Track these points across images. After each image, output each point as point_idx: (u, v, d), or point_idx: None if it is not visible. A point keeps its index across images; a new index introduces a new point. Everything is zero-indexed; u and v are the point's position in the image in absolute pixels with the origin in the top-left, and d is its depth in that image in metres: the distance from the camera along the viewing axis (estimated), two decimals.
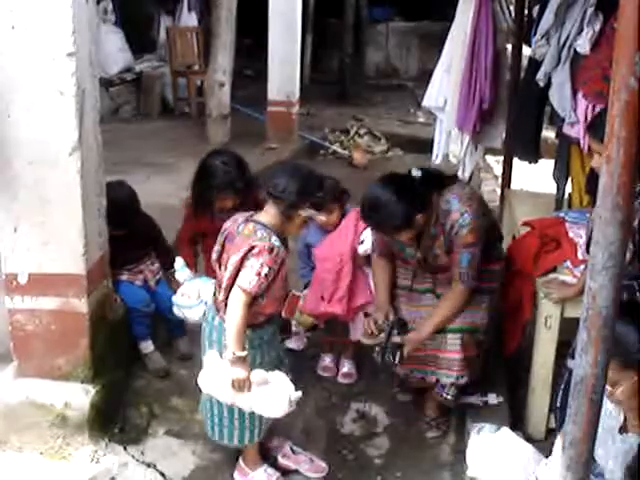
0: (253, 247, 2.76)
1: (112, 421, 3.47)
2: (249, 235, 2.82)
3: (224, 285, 2.86)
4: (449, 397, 3.54)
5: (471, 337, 3.44)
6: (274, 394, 2.86)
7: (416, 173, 3.34)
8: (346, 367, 4.08)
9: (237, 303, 2.78)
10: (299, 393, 2.90)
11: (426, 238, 3.41)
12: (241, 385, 2.81)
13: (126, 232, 3.79)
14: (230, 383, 2.81)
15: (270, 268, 2.77)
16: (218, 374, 2.86)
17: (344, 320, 3.90)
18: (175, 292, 3.78)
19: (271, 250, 2.76)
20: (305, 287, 3.98)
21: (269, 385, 2.86)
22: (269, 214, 2.90)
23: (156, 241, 4.08)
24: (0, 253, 3.27)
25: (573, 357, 3.07)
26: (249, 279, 2.75)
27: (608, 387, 2.40)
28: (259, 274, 2.75)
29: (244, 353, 2.79)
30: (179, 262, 3.76)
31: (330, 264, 3.79)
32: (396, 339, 3.36)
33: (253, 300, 2.81)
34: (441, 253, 3.41)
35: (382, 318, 3.48)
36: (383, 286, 3.59)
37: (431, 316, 3.44)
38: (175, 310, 3.70)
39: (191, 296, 3.62)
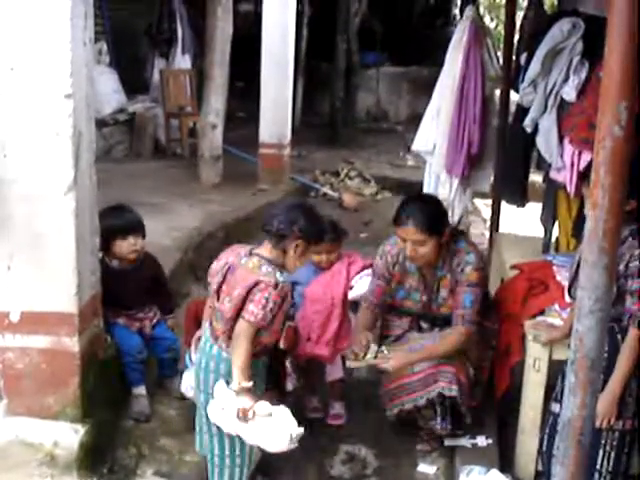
0: (259, 282, 2.84)
1: (101, 461, 3.44)
2: (254, 269, 2.91)
3: (227, 316, 2.92)
4: (440, 428, 3.59)
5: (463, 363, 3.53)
6: (276, 429, 2.87)
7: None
8: (335, 409, 4.07)
9: (243, 335, 2.86)
10: (301, 430, 2.91)
11: (431, 280, 3.62)
12: (245, 415, 2.83)
13: (138, 257, 3.89)
14: (235, 413, 2.84)
15: (275, 302, 2.86)
16: (224, 404, 2.88)
17: (323, 361, 3.93)
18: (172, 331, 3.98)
19: (276, 285, 2.85)
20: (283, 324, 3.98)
21: (272, 419, 2.87)
22: (267, 248, 2.99)
23: (158, 283, 4.10)
24: None
25: (557, 400, 3.12)
26: (255, 312, 2.84)
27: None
28: (264, 307, 2.83)
29: (249, 384, 2.85)
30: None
31: (321, 306, 3.82)
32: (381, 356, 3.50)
33: (256, 332, 2.89)
34: (447, 295, 3.59)
35: (365, 339, 3.57)
36: (363, 326, 3.73)
37: (424, 348, 3.56)
38: (184, 387, 3.65)
39: None
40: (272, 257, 2.95)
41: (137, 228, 3.90)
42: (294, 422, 2.91)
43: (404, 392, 3.55)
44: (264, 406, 2.87)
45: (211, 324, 3.07)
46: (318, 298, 3.84)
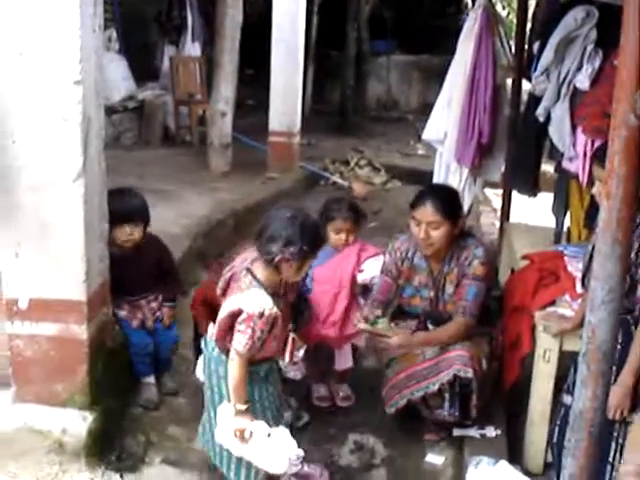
0: (242, 311, 2.79)
1: (109, 448, 3.45)
2: (242, 291, 2.84)
3: (214, 337, 2.93)
4: (448, 414, 3.56)
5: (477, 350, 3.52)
6: (274, 450, 2.88)
7: None
8: (343, 391, 4.10)
9: (234, 363, 2.85)
10: (300, 452, 2.92)
11: (439, 275, 3.65)
12: (242, 435, 2.85)
13: (139, 242, 3.80)
14: (233, 434, 2.86)
15: (262, 331, 2.80)
16: (227, 425, 2.90)
17: (331, 347, 3.93)
18: (174, 325, 3.95)
19: (261, 315, 2.77)
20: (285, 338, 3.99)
21: (270, 440, 2.88)
22: (260, 266, 2.88)
23: (166, 272, 4.01)
24: (1, 277, 3.28)
25: (568, 392, 3.10)
26: (242, 342, 2.79)
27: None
28: (252, 337, 2.78)
29: (244, 407, 2.86)
30: (211, 329, 3.74)
31: (328, 286, 3.83)
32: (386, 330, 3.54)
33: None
34: (452, 291, 3.61)
35: (372, 312, 3.63)
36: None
37: (426, 333, 3.63)
38: (198, 371, 3.63)
39: None
40: (265, 276, 2.86)
41: (135, 217, 3.77)
42: (293, 443, 2.92)
43: (414, 381, 3.54)
44: (261, 427, 2.89)
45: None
46: (326, 279, 3.85)
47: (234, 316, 2.81)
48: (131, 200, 3.83)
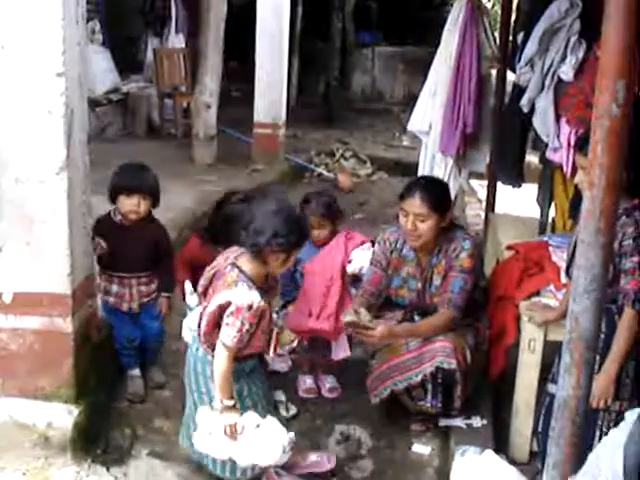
0: (230, 303, 2.78)
1: (95, 442, 3.43)
2: (230, 285, 2.83)
3: (202, 331, 2.91)
4: (431, 406, 3.58)
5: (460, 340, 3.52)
6: (266, 440, 2.86)
7: None
8: (330, 382, 4.10)
9: (221, 357, 2.83)
10: (292, 436, 2.92)
11: (427, 267, 3.66)
12: (233, 430, 2.83)
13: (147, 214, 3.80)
14: (222, 431, 2.83)
15: (251, 324, 2.80)
16: (211, 427, 2.87)
17: (327, 339, 3.92)
18: (160, 317, 3.91)
19: (250, 307, 2.78)
20: (283, 306, 4.00)
21: (261, 430, 2.86)
22: (246, 259, 2.89)
23: (160, 251, 3.93)
24: None
25: (552, 381, 3.12)
26: (231, 335, 2.79)
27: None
28: (240, 330, 2.78)
29: (232, 402, 2.85)
30: (189, 286, 3.72)
31: (320, 279, 3.83)
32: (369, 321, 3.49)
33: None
34: (439, 283, 3.62)
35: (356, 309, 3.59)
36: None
37: (409, 325, 3.63)
38: (185, 333, 3.62)
39: None
40: (251, 268, 2.87)
41: (145, 189, 3.73)
42: (284, 430, 2.91)
43: (397, 372, 3.55)
44: (251, 418, 2.88)
45: (199, 326, 3.02)
46: (317, 273, 3.85)
47: (222, 309, 2.81)
48: (144, 173, 3.83)
